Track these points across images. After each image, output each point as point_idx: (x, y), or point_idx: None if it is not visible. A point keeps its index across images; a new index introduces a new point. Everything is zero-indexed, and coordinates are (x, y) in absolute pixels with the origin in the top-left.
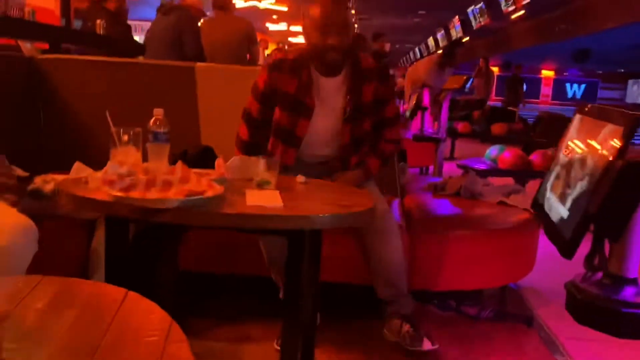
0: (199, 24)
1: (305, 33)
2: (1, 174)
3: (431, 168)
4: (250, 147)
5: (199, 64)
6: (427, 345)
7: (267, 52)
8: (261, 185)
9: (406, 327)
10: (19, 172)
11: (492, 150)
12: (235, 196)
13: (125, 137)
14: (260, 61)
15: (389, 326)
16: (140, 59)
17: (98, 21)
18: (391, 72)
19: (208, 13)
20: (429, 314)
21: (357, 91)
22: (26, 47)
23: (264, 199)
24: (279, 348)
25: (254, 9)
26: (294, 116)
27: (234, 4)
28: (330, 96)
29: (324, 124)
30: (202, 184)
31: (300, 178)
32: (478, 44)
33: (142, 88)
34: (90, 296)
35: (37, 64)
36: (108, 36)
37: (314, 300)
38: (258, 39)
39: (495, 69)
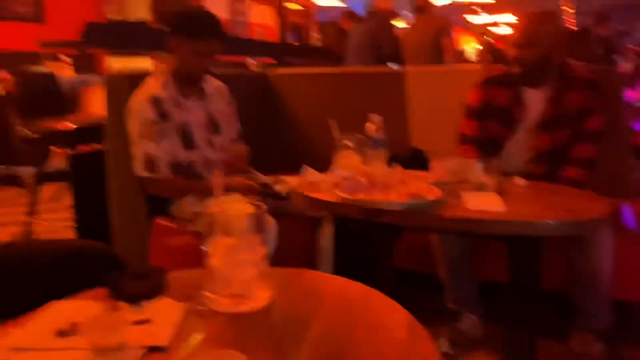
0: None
1: None
2: (248, 178)
3: None
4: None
5: (409, 68)
6: None
7: (467, 46)
8: (479, 189)
9: (598, 345)
10: (259, 175)
11: None
12: (454, 199)
13: (348, 143)
14: (451, 55)
15: (578, 340)
16: (352, 68)
17: (312, 34)
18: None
19: (402, 14)
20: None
21: (560, 100)
22: (250, 62)
23: (485, 203)
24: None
25: (455, 4)
26: (502, 127)
27: (432, 5)
28: (534, 106)
29: (525, 133)
30: (422, 187)
31: (520, 180)
32: None
33: (357, 95)
34: (338, 289)
35: (268, 78)
36: (324, 48)
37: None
38: (452, 34)
39: None
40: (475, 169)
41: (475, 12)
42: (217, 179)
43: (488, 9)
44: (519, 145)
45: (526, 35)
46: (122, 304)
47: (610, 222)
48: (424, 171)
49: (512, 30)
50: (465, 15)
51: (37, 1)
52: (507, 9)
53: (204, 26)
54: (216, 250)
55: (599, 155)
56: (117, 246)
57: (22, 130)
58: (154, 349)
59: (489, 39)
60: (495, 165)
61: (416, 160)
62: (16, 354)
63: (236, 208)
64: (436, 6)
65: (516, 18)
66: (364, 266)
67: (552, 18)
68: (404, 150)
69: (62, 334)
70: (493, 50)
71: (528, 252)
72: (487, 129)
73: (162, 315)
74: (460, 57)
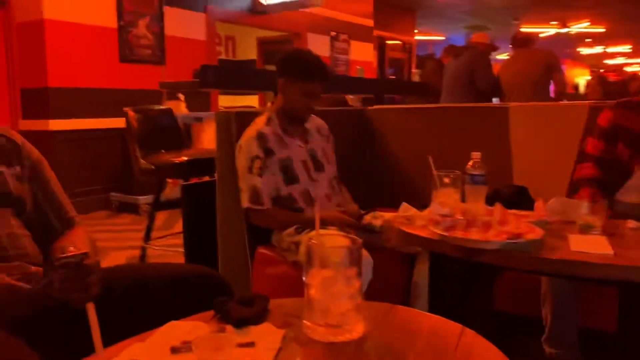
0: (496, 59)
1: None
2: (347, 211)
3: None
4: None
5: (512, 104)
6: None
7: (577, 79)
8: (585, 230)
9: None
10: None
11: None
12: (557, 240)
13: (446, 180)
14: (567, 89)
15: None
16: (453, 104)
17: (413, 70)
18: None
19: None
20: None
21: None
22: (350, 97)
23: (590, 245)
24: None
25: (563, 35)
26: (630, 150)
27: (534, 38)
28: None
29: None
30: (521, 226)
31: (632, 223)
32: None
33: (456, 130)
34: (432, 327)
35: (366, 114)
36: (423, 82)
37: None
38: (563, 67)
39: None
40: (582, 209)
41: (588, 44)
42: (316, 213)
43: (600, 40)
44: None
45: None
46: (229, 327)
47: None
48: (527, 210)
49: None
50: (578, 48)
51: (159, 46)
52: (622, 39)
53: (313, 69)
54: (314, 281)
55: None
56: (223, 272)
57: (142, 162)
58: None
59: (599, 70)
60: (603, 205)
61: (519, 197)
62: None
63: (333, 241)
64: (539, 39)
65: (630, 47)
66: (461, 305)
67: None
68: (507, 187)
69: (175, 350)
70: (604, 82)
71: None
72: (613, 152)
73: (264, 340)
74: (570, 91)
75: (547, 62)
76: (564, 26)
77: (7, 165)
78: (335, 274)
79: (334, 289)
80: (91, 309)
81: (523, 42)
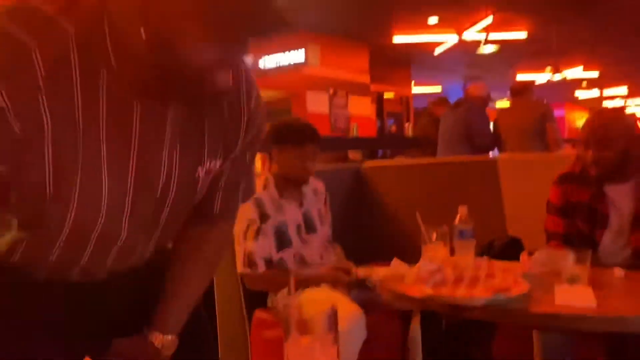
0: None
1: None
2: (339, 268)
3: None
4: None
5: (501, 156)
6: None
7: (578, 122)
8: (571, 281)
9: None
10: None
11: None
12: (543, 293)
13: (434, 235)
14: (554, 140)
15: None
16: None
17: (406, 124)
18: None
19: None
20: None
21: None
22: (352, 152)
23: (575, 297)
24: None
25: (560, 80)
26: (589, 225)
27: (531, 88)
28: (621, 201)
29: (618, 229)
30: (508, 280)
31: (619, 271)
32: None
33: (449, 184)
34: None
35: (362, 170)
36: (419, 136)
37: None
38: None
39: None
40: (567, 260)
41: (585, 88)
42: (290, 278)
43: (596, 83)
44: (612, 242)
45: (600, 135)
46: None
47: None
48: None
49: (583, 130)
50: (576, 92)
51: None
52: (618, 81)
53: (302, 133)
54: (291, 350)
55: None
56: (221, 338)
57: None
58: None
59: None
60: (588, 255)
61: (512, 249)
62: None
63: (311, 305)
64: (536, 86)
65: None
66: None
67: (620, 113)
68: (500, 239)
69: None
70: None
71: (625, 348)
72: (574, 226)
73: None
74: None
75: (542, 113)
76: (557, 71)
77: None
78: (312, 341)
79: (311, 357)
80: None
81: (520, 91)
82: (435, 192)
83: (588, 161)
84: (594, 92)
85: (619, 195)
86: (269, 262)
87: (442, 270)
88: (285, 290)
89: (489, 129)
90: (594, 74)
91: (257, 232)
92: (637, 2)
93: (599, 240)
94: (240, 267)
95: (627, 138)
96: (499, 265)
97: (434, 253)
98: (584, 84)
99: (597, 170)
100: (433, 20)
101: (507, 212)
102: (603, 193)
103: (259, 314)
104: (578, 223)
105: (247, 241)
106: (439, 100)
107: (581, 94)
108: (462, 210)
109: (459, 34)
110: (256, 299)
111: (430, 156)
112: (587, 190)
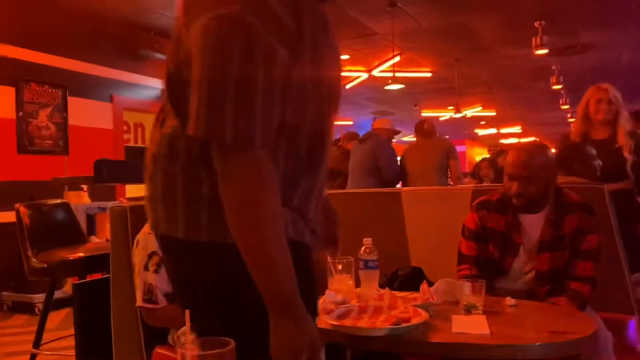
0: (398, 146)
1: None
2: None
3: None
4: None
5: (404, 189)
6: None
7: (477, 158)
8: (468, 310)
9: None
10: None
11: None
12: (441, 322)
13: (339, 266)
14: (457, 176)
15: None
16: (352, 190)
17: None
18: None
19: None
20: None
21: (558, 223)
22: None
23: (470, 326)
24: None
25: (461, 118)
26: (500, 251)
27: (435, 131)
28: (533, 229)
29: (526, 255)
30: (408, 310)
31: (510, 300)
32: None
33: (357, 215)
34: None
35: None
36: (329, 169)
37: None
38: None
39: None
40: (463, 290)
41: (483, 127)
42: (187, 311)
43: (494, 122)
44: (520, 266)
45: (525, 172)
46: None
47: (612, 341)
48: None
49: (508, 164)
50: (475, 130)
51: (62, 136)
52: (512, 121)
53: None
54: None
55: (598, 272)
56: None
57: (33, 260)
58: None
59: (497, 149)
60: (483, 286)
61: (415, 278)
62: None
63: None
64: (439, 122)
65: (519, 128)
66: None
67: (544, 149)
68: (404, 269)
69: None
70: (495, 165)
71: None
72: (486, 251)
73: None
74: (463, 177)
75: (446, 150)
76: (458, 111)
77: None
78: None
79: None
80: None
81: (426, 134)
82: (343, 223)
83: (512, 193)
84: (492, 130)
85: (531, 224)
86: (171, 296)
87: (347, 301)
88: (185, 327)
89: (396, 162)
90: (492, 113)
91: (159, 264)
92: (528, 49)
93: (508, 267)
94: (139, 301)
95: (547, 173)
96: (401, 295)
97: (338, 284)
98: (483, 122)
99: (519, 202)
100: (344, 57)
101: (410, 242)
102: (519, 222)
103: (159, 350)
104: (490, 248)
105: (149, 273)
106: (349, 134)
107: (480, 132)
108: (367, 242)
109: (369, 71)
110: (156, 334)
111: (340, 188)
112: (502, 218)
